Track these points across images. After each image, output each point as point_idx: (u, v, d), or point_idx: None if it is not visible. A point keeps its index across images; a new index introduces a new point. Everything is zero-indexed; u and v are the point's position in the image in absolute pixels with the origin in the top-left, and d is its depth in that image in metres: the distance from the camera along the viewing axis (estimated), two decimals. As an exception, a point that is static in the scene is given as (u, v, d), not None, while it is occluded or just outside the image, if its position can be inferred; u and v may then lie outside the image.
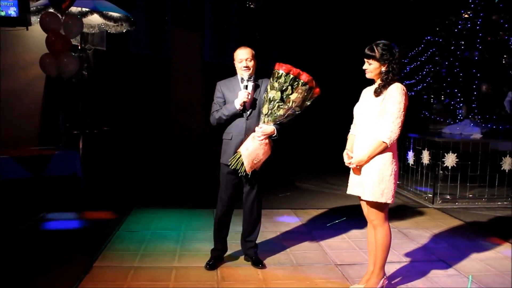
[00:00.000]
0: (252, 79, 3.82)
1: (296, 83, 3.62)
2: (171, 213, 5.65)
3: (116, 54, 9.77)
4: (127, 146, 9.69)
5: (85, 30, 7.13)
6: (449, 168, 6.44)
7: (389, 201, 3.26)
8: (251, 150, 3.68)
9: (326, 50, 11.74)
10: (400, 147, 7.41)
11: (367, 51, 3.28)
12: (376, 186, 3.21)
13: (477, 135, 8.12)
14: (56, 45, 6.33)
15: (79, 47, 7.33)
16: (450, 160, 6.43)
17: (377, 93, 3.25)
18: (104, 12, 6.79)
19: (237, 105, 3.73)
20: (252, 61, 3.80)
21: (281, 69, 3.63)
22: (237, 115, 3.79)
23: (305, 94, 3.66)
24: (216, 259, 3.99)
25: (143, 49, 10.72)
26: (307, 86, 3.64)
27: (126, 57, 10.34)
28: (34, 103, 7.32)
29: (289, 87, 3.62)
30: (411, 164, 7.10)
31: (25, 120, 7.13)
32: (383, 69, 3.25)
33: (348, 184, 3.48)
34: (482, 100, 9.93)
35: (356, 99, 3.50)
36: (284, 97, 3.63)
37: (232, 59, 3.89)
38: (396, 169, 3.28)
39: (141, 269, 3.86)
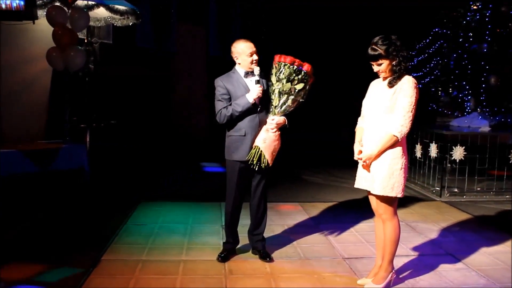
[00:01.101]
0: (258, 72, 3.78)
1: (300, 73, 3.63)
2: (178, 207, 5.66)
3: (123, 48, 9.75)
4: (133, 140, 9.70)
5: (91, 23, 7.12)
6: (457, 161, 6.40)
7: (399, 195, 3.24)
8: (269, 142, 3.71)
9: (331, 43, 11.68)
10: (409, 140, 7.37)
11: (371, 53, 3.19)
12: (386, 180, 3.19)
13: (485, 128, 8.06)
14: (62, 39, 6.32)
15: (86, 41, 7.32)
16: (458, 153, 6.38)
17: (391, 84, 3.21)
18: (110, 5, 6.76)
19: (251, 99, 3.69)
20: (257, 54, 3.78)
21: (284, 60, 3.62)
22: (249, 110, 3.74)
23: (307, 83, 3.70)
24: (229, 252, 4.01)
25: (149, 43, 10.68)
26: (309, 75, 3.68)
27: (132, 51, 10.32)
28: (41, 97, 7.31)
29: (296, 78, 3.63)
30: (419, 157, 7.06)
31: (31, 114, 7.13)
32: (394, 63, 3.19)
33: (356, 177, 3.46)
34: (490, 93, 9.84)
35: (362, 92, 3.47)
36: (292, 87, 3.64)
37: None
38: (406, 162, 3.25)
39: (149, 263, 3.87)
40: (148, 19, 10.10)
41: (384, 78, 3.29)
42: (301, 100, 3.74)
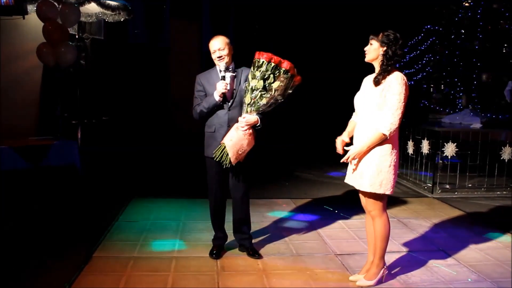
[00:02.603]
0: (230, 69, 3.75)
1: (278, 71, 3.53)
2: (170, 203, 5.64)
3: (114, 44, 9.69)
4: (125, 136, 9.66)
5: (82, 19, 7.06)
6: (449, 157, 6.43)
7: (388, 192, 3.24)
8: (235, 140, 3.63)
9: (324, 41, 11.65)
10: (401, 136, 7.40)
11: (372, 34, 3.26)
12: (374, 177, 3.19)
13: (476, 124, 8.09)
14: (53, 35, 6.27)
15: (77, 37, 7.27)
16: (450, 149, 6.42)
17: (376, 82, 3.21)
18: (102, 0, 6.71)
19: (216, 96, 3.69)
20: (226, 50, 3.72)
21: (261, 58, 3.53)
22: (218, 107, 3.74)
23: (287, 82, 3.60)
24: (219, 248, 4.01)
25: (141, 39, 10.63)
26: (289, 74, 3.57)
27: (124, 47, 10.27)
28: (32, 93, 7.26)
29: (271, 76, 3.53)
30: (411, 154, 7.09)
31: (22, 110, 7.08)
32: (381, 51, 3.20)
33: (346, 173, 3.46)
34: (482, 90, 9.89)
35: (356, 90, 3.46)
36: (267, 85, 3.55)
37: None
38: (396, 159, 3.25)
39: (140, 259, 3.85)
40: (141, 15, 10.04)
41: (369, 62, 3.31)
42: (280, 99, 3.65)
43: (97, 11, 7.10)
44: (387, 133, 3.13)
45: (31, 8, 6.52)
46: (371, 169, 3.21)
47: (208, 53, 3.88)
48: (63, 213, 5.20)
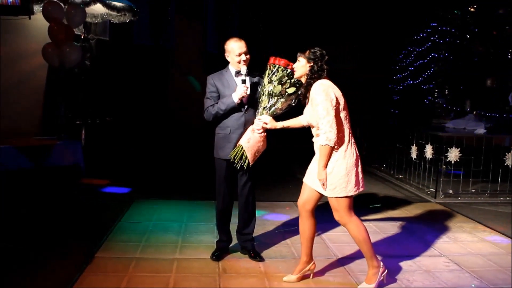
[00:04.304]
0: (247, 72, 3.77)
1: (292, 76, 3.58)
2: (173, 205, 5.65)
3: (119, 45, 9.72)
4: (129, 137, 9.67)
5: (88, 19, 7.10)
6: (452, 162, 6.42)
7: (341, 195, 3.23)
8: (253, 142, 3.67)
9: (325, 41, 11.66)
10: (404, 141, 7.39)
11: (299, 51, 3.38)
12: (329, 181, 3.22)
13: (480, 130, 8.07)
14: (58, 35, 6.29)
15: (82, 37, 7.30)
16: (453, 154, 6.40)
17: (304, 99, 3.37)
18: (107, 1, 6.75)
19: (236, 99, 3.69)
20: (248, 54, 3.76)
21: (278, 63, 3.60)
22: (235, 109, 3.76)
23: (299, 87, 3.63)
24: (222, 250, 4.01)
25: (146, 40, 10.65)
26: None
27: (128, 47, 10.29)
28: (36, 93, 7.28)
29: (288, 81, 3.60)
30: (414, 158, 7.07)
31: (27, 110, 7.11)
32: (308, 67, 3.32)
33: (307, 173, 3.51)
34: (486, 95, 9.88)
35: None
36: (283, 90, 3.61)
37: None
38: (351, 162, 3.25)
39: (142, 260, 3.86)
40: (146, 15, 10.06)
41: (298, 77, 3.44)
42: (292, 104, 3.70)
43: (102, 12, 7.13)
44: (329, 143, 3.15)
45: (37, 8, 6.56)
46: (329, 178, 3.23)
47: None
48: (66, 213, 5.21)
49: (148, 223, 4.90)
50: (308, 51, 3.34)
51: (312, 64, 3.31)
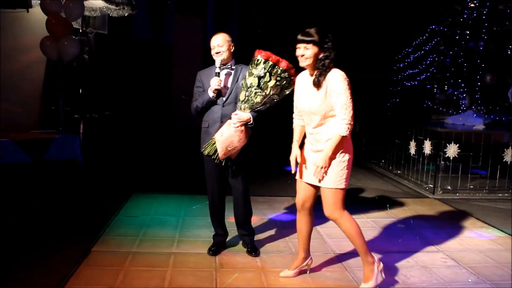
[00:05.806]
0: (228, 66, 3.78)
1: (275, 70, 3.50)
2: (170, 199, 5.64)
3: (118, 39, 9.68)
4: (127, 132, 9.64)
5: (86, 13, 7.07)
6: (451, 158, 6.41)
7: (342, 186, 3.23)
8: (226, 136, 3.61)
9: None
10: (403, 136, 7.38)
11: (303, 37, 3.14)
12: (331, 171, 3.19)
13: (479, 126, 8.06)
14: (56, 28, 6.27)
15: (81, 31, 7.27)
16: (452, 150, 6.39)
17: (317, 85, 3.15)
18: (106, -5, 6.72)
19: (210, 93, 3.71)
20: (225, 47, 3.73)
21: (260, 56, 3.50)
22: (213, 103, 3.76)
23: (284, 82, 3.55)
24: (219, 245, 4.01)
25: (145, 34, 10.60)
26: (286, 73, 3.52)
27: (128, 42, 10.25)
28: (35, 87, 7.27)
29: (267, 74, 3.50)
30: (413, 154, 7.07)
31: (25, 104, 7.10)
32: (321, 55, 3.15)
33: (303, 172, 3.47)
34: (485, 91, 9.86)
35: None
36: (262, 84, 3.51)
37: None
38: (352, 155, 3.24)
39: (139, 255, 3.85)
40: (145, 10, 10.01)
41: (307, 67, 3.23)
42: (276, 98, 3.62)
43: (101, 6, 7.10)
44: (347, 134, 3.11)
45: (35, 1, 6.54)
46: (330, 168, 3.19)
47: (210, 49, 3.87)
48: (64, 206, 5.21)
49: (146, 217, 4.90)
50: (317, 36, 3.13)
51: (328, 52, 3.12)
